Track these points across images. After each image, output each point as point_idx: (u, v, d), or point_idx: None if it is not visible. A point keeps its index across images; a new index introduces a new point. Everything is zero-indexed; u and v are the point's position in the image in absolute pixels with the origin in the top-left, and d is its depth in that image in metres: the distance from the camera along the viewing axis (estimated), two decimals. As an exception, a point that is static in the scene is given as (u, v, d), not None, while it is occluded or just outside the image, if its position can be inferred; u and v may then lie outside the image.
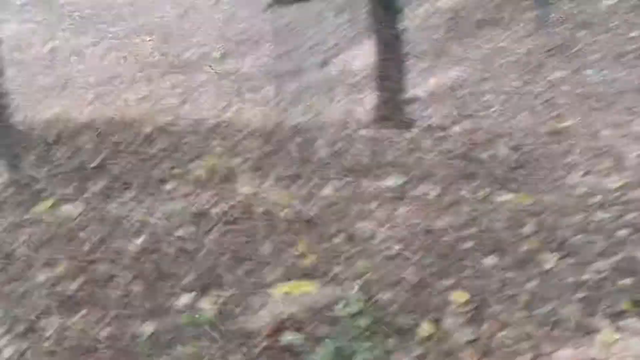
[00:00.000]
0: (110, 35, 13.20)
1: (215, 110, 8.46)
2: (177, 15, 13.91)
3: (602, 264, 3.83)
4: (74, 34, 13.22)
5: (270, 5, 13.96)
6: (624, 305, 3.30)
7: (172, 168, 5.54)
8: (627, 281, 3.56)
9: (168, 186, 5.10)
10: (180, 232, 4.26)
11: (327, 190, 5.06)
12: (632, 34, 9.32)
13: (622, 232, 4.25)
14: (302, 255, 3.92)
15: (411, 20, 11.64)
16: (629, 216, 4.49)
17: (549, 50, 9.64)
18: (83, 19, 13.86)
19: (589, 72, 8.92)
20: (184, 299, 3.47)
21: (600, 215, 4.54)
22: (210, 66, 11.49)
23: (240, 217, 4.47)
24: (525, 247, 4.08)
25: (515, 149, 6.29)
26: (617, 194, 4.97)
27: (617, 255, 3.93)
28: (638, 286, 3.49)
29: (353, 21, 12.37)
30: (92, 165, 5.56)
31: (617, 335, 3.03)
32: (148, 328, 3.16)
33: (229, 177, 5.35)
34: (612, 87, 8.38)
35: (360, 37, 11.59)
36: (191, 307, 3.39)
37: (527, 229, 4.34)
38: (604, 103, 7.89)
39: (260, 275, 3.72)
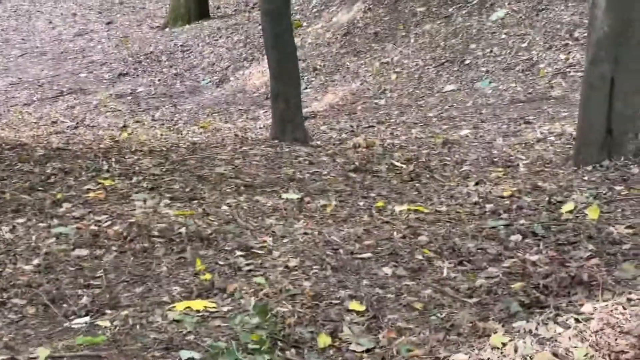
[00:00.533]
0: (3, 59, 12.97)
1: (111, 131, 8.37)
2: (71, 37, 13.74)
3: (495, 270, 3.94)
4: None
5: (165, 26, 13.92)
6: (514, 308, 3.39)
7: (66, 190, 5.47)
8: (518, 285, 3.66)
9: (62, 208, 5.03)
10: (75, 254, 4.21)
11: (225, 207, 5.07)
12: (520, 46, 9.59)
13: (514, 238, 4.38)
14: (200, 273, 3.92)
15: (307, 36, 11.76)
16: (520, 222, 4.62)
17: (442, 64, 9.85)
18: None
19: (480, 84, 9.15)
20: (81, 321, 3.43)
21: (492, 222, 4.66)
22: (105, 87, 11.38)
23: (137, 237, 4.44)
24: (420, 256, 4.16)
25: (411, 160, 6.41)
26: (508, 201, 5.11)
27: (509, 261, 4.05)
28: (528, 290, 3.59)
29: (248, 40, 12.43)
30: (-17, 189, 5.45)
31: (508, 338, 3.11)
32: (43, 352, 3.10)
33: (125, 197, 5.31)
34: (502, 98, 8.62)
35: (256, 55, 11.65)
36: (88, 328, 3.35)
37: (423, 238, 4.43)
38: (495, 113, 8.11)
39: (157, 294, 3.70)
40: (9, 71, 12.27)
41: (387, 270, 3.97)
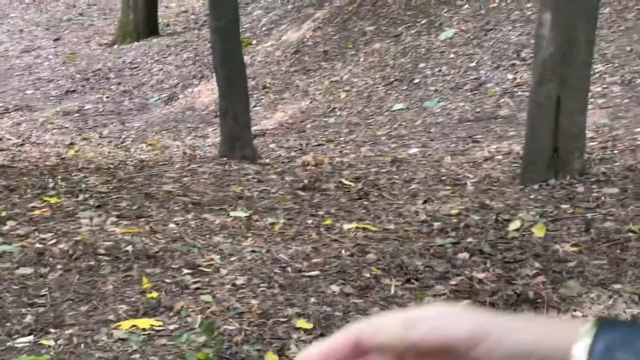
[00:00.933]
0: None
1: (58, 148, 8.29)
2: (17, 54, 13.61)
3: (442, 287, 3.97)
4: None
5: (113, 43, 13.85)
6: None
7: (10, 208, 5.41)
8: (465, 303, 3.69)
9: (6, 226, 4.97)
10: (19, 272, 4.16)
11: (172, 225, 5.04)
12: (469, 65, 9.69)
13: (461, 256, 4.41)
14: (147, 291, 3.89)
15: (256, 54, 11.78)
16: (467, 240, 4.66)
17: (391, 83, 9.92)
18: None
19: (429, 103, 9.22)
20: (24, 340, 3.38)
21: (440, 240, 4.69)
22: (52, 104, 11.27)
23: (83, 255, 4.40)
24: (368, 274, 4.17)
25: (360, 178, 6.43)
26: (456, 219, 5.15)
27: (456, 278, 4.08)
28: (475, 305, 3.62)
29: (197, 57, 12.41)
30: None
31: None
32: (-15, 372, 3.06)
33: (71, 215, 5.26)
34: (451, 117, 8.69)
35: (205, 73, 11.63)
36: (31, 347, 3.31)
37: (371, 256, 4.45)
38: (443, 132, 8.17)
39: (103, 312, 3.67)
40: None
41: (335, 288, 3.98)
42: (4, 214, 5.22)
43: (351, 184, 6.28)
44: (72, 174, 6.59)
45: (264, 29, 12.76)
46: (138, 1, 13.70)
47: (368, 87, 10.02)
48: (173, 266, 4.26)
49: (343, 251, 4.54)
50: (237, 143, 7.26)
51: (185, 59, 12.47)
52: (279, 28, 12.53)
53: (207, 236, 4.83)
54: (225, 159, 7.14)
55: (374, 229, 5.01)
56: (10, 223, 5.03)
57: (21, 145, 8.67)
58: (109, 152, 8.09)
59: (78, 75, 12.55)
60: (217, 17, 7.34)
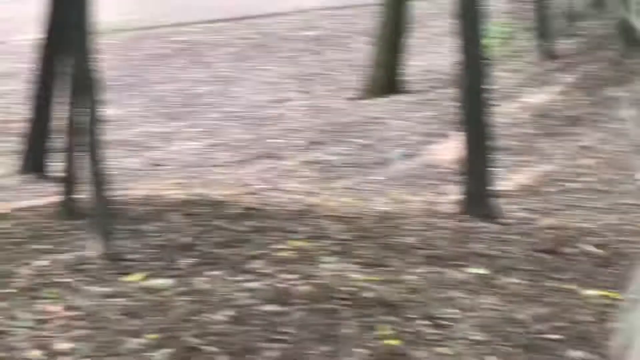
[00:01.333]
0: (200, 121, 13.56)
1: (301, 195, 8.60)
2: (268, 104, 14.24)
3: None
4: (167, 119, 13.64)
5: (359, 98, 14.22)
6: None
7: (258, 248, 5.66)
8: None
9: (254, 265, 5.21)
10: (265, 309, 4.35)
11: (410, 276, 5.11)
12: None
13: None
14: (385, 337, 3.96)
15: (501, 116, 11.73)
16: None
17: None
18: (174, 106, 14.30)
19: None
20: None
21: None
22: (298, 154, 11.69)
23: (324, 298, 4.54)
24: (611, 342, 4.05)
25: (604, 245, 6.27)
26: None
27: None
28: None
29: (439, 116, 12.50)
30: (182, 241, 5.72)
31: None
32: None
33: (313, 259, 5.44)
34: None
35: (446, 132, 11.70)
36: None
37: (613, 324, 4.31)
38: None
39: (344, 354, 3.77)
40: (208, 133, 12.82)
41: (576, 353, 3.90)
42: (252, 253, 5.48)
43: (595, 250, 6.12)
44: (316, 221, 6.80)
45: (509, 91, 12.71)
46: (385, 58, 14.02)
47: (614, 155, 9.76)
48: (412, 316, 4.32)
49: (584, 317, 4.43)
50: (479, 201, 7.26)
51: (428, 117, 12.61)
52: (524, 91, 12.45)
53: (446, 290, 4.85)
54: (465, 216, 7.15)
55: (616, 297, 4.86)
56: (258, 262, 5.26)
57: (268, 190, 9.05)
58: (351, 202, 8.29)
59: (324, 127, 12.94)
60: (466, 78, 7.41)
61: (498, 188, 8.71)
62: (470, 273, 5.26)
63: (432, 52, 15.95)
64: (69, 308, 4.53)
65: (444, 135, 11.69)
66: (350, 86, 14.86)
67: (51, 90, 8.90)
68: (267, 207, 7.42)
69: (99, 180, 5.62)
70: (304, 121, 13.35)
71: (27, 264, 5.32)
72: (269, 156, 11.62)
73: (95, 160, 5.61)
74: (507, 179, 9.61)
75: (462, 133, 7.59)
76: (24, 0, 14.99)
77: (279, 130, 12.98)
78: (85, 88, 5.61)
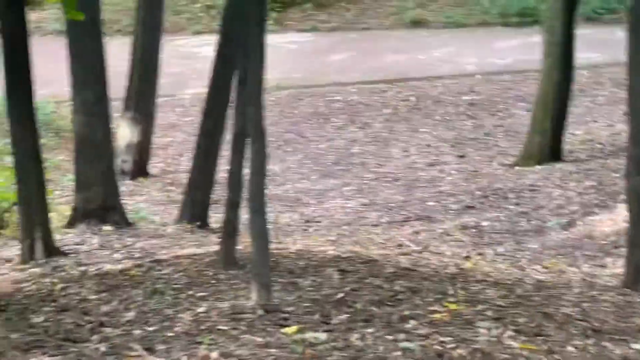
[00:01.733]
0: (354, 180, 13.70)
1: (455, 259, 8.52)
2: (423, 167, 14.27)
3: None
4: (321, 177, 13.85)
5: (515, 164, 14.06)
6: None
7: (412, 308, 5.63)
8: None
9: (408, 325, 5.19)
10: (420, 370, 4.32)
11: (571, 348, 4.97)
12: None
13: None
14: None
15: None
16: None
17: None
18: (329, 165, 14.52)
19: None
20: None
21: None
22: (451, 217, 11.63)
23: (481, 363, 4.47)
24: None
25: None
26: None
27: None
28: None
29: (600, 186, 12.22)
30: (336, 297, 5.76)
31: None
32: None
33: (469, 323, 5.37)
34: None
35: (608, 202, 11.41)
36: None
37: None
38: None
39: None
40: (362, 193, 12.93)
41: None
42: (406, 312, 5.46)
43: None
44: (470, 285, 6.72)
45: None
46: (545, 126, 13.83)
47: None
48: (572, 388, 4.20)
49: None
50: (643, 276, 7.01)
51: (587, 187, 12.33)
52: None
53: (607, 364, 4.71)
54: (628, 290, 6.92)
55: None
56: (412, 322, 5.24)
57: (420, 252, 9.01)
58: (505, 269, 8.16)
59: (478, 192, 12.83)
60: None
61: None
62: (634, 349, 5.08)
63: (594, 120, 15.67)
64: (224, 355, 4.62)
65: (604, 207, 11.41)
66: (506, 152, 14.75)
67: (216, 142, 9.21)
68: (421, 268, 7.39)
69: (261, 233, 5.74)
70: (458, 185, 13.29)
71: (188, 309, 5.47)
72: (421, 218, 11.60)
73: (258, 213, 5.73)
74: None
75: (629, 205, 7.35)
76: (195, 57, 15.61)
77: (432, 193, 12.97)
78: (255, 140, 5.76)
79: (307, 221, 11.47)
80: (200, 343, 4.83)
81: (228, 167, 6.78)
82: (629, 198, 7.31)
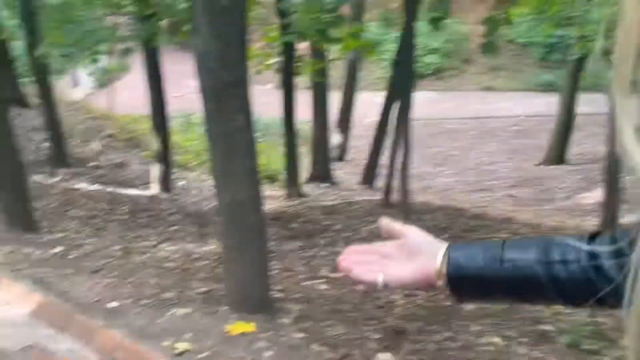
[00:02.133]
0: (451, 170, 13.29)
1: (504, 212, 8.18)
2: (487, 162, 13.61)
3: None
4: (434, 166, 13.53)
5: (539, 164, 13.29)
6: None
7: (482, 235, 5.49)
8: None
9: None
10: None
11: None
12: None
13: None
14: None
15: None
16: None
17: None
18: (440, 156, 14.16)
19: None
20: None
21: None
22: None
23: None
24: None
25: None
26: None
27: None
28: None
29: (586, 177, 11.40)
30: (441, 226, 5.66)
31: None
32: None
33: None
34: None
35: (590, 187, 10.63)
36: None
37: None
38: None
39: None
40: (456, 176, 12.56)
41: None
42: (482, 236, 5.34)
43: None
44: (512, 224, 6.45)
45: None
46: (557, 142, 13.00)
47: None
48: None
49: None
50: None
51: (579, 178, 11.53)
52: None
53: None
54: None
55: None
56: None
57: (486, 206, 8.70)
58: (533, 218, 7.77)
59: (518, 178, 12.23)
60: None
61: None
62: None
63: (585, 143, 14.55)
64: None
65: (587, 189, 10.62)
66: (535, 157, 13.97)
67: (380, 145, 9.17)
68: (486, 214, 7.14)
69: (406, 188, 5.74)
70: (507, 174, 12.71)
71: (364, 227, 5.56)
72: (484, 189, 11.14)
73: (405, 176, 5.76)
74: None
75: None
76: (370, 103, 15.37)
77: (491, 177, 12.40)
78: (405, 145, 5.73)
79: (426, 188, 11.31)
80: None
81: (388, 156, 6.79)
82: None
